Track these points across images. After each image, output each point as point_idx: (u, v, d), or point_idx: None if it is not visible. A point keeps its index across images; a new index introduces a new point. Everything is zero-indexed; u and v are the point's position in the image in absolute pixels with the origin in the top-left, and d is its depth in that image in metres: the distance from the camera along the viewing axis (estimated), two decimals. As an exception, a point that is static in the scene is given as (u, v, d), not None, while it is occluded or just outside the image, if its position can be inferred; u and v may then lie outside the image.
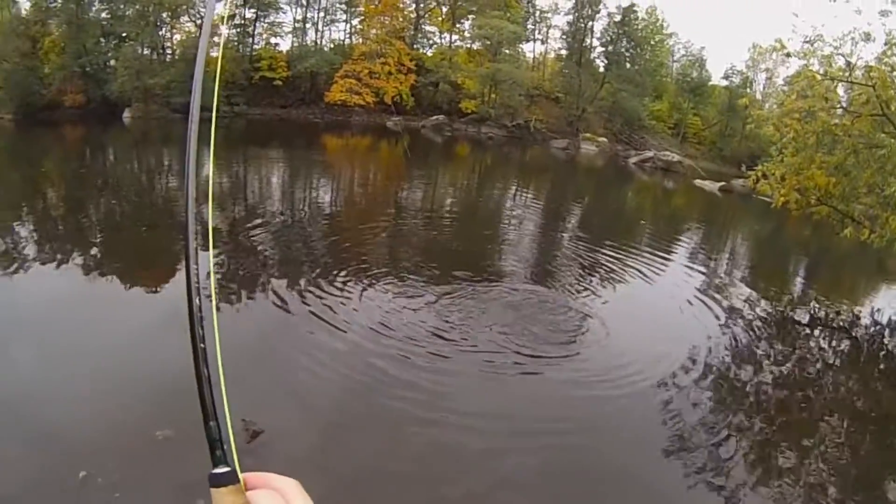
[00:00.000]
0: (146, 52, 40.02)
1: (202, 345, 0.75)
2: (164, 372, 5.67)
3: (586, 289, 8.74)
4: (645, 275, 9.90)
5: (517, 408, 5.37)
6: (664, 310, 8.30)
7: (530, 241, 12.48)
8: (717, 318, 8.02)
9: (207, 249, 0.97)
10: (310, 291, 8.09)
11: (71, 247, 11.71)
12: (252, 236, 11.88)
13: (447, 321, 7.10)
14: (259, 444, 4.75)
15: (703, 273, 10.77)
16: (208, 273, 0.73)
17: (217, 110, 0.78)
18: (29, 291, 9.02)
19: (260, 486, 0.70)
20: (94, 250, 11.59)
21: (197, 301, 0.75)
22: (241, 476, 0.69)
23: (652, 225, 16.44)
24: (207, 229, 1.00)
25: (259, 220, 13.46)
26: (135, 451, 4.81)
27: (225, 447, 0.72)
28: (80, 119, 40.24)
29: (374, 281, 8.50)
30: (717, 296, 9.15)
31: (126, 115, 37.58)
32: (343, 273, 8.84)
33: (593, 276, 9.44)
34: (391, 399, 5.38)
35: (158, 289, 8.81)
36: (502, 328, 6.94)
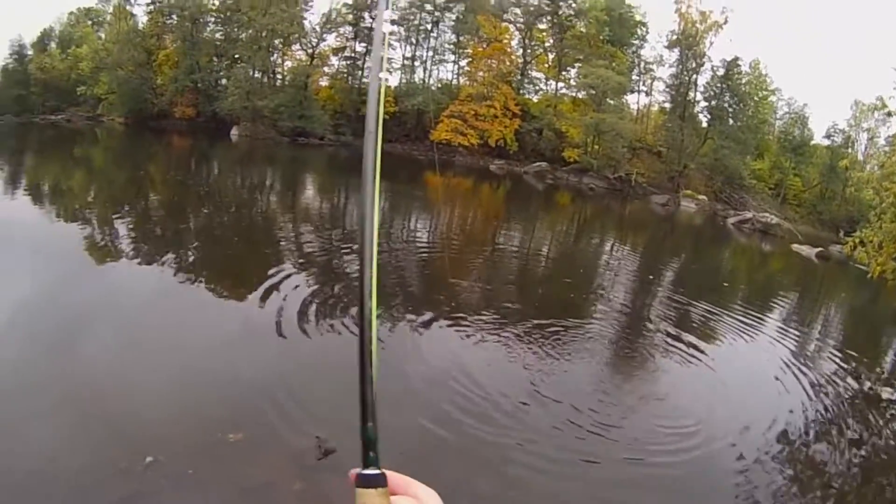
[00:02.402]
0: (257, 74, 45.36)
1: (370, 347, 0.84)
2: (241, 379, 6.77)
3: (673, 347, 9.32)
4: (733, 339, 10.43)
5: (588, 466, 5.75)
6: (748, 376, 8.66)
7: (622, 293, 13.23)
8: (803, 389, 8.34)
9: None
10: (397, 321, 9.09)
11: (166, 248, 13.08)
12: (346, 264, 13.07)
13: (530, 367, 7.78)
14: (329, 462, 5.32)
15: (791, 342, 11.00)
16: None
17: (381, 144, 0.85)
18: (120, 284, 10.43)
19: (400, 491, 0.81)
20: (188, 255, 12.96)
21: (369, 305, 0.86)
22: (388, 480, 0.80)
23: (745, 288, 17.23)
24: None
25: (353, 246, 14.20)
26: (204, 449, 5.40)
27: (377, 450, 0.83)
28: (188, 131, 45.87)
29: (462, 318, 9.42)
30: (803, 367, 9.41)
31: (234, 132, 42.23)
32: (433, 307, 9.87)
33: (681, 335, 9.94)
34: (464, 437, 5.88)
35: (245, 300, 9.82)
36: (585, 379, 7.65)
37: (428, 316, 9.42)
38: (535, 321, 9.70)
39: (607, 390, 7.48)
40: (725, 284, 17.06)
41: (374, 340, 0.87)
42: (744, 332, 10.87)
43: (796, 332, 11.94)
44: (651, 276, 16.10)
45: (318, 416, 6.06)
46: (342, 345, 8.00)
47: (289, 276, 11.00)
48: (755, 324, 11.70)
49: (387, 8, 1.02)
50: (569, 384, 7.39)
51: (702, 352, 9.26)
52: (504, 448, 5.81)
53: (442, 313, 9.60)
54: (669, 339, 9.69)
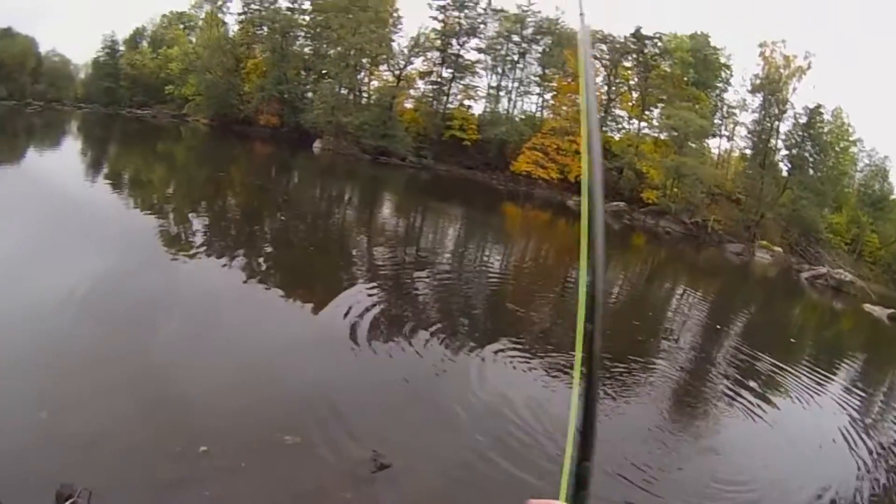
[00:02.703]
0: (343, 91, 47.06)
1: (595, 387, 0.86)
2: (303, 384, 7.02)
3: (735, 400, 9.42)
4: (796, 397, 10.41)
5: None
6: (807, 438, 8.53)
7: (690, 339, 13.34)
8: (860, 457, 8.19)
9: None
10: (459, 348, 9.26)
11: (239, 249, 13.55)
12: (415, 281, 13.38)
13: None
14: (383, 476, 5.42)
15: (855, 405, 10.87)
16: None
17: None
18: (191, 277, 10.89)
19: None
20: (260, 258, 13.34)
21: (597, 344, 0.88)
22: None
23: (813, 346, 17.08)
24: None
25: (426, 269, 14.96)
26: (259, 447, 5.52)
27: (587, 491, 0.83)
28: (270, 138, 47.71)
29: (526, 350, 9.65)
30: (864, 433, 9.23)
31: (317, 145, 43.88)
32: (499, 341, 9.88)
33: (745, 387, 10.04)
34: (517, 470, 5.95)
35: (313, 307, 10.11)
36: (641, 424, 7.72)
37: (491, 344, 9.63)
38: (602, 361, 9.80)
39: (663, 438, 7.51)
40: (793, 340, 16.95)
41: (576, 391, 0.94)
42: (807, 391, 10.91)
43: (860, 396, 11.82)
44: (719, 326, 16.23)
45: (376, 430, 6.26)
46: (406, 362, 8.44)
47: (359, 289, 11.48)
48: (819, 383, 11.74)
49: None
50: (624, 429, 7.45)
51: (763, 407, 9.32)
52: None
53: (506, 343, 9.81)
54: (732, 391, 9.85)
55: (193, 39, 60.90)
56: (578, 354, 0.98)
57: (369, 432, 6.19)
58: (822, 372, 12.73)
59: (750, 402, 9.47)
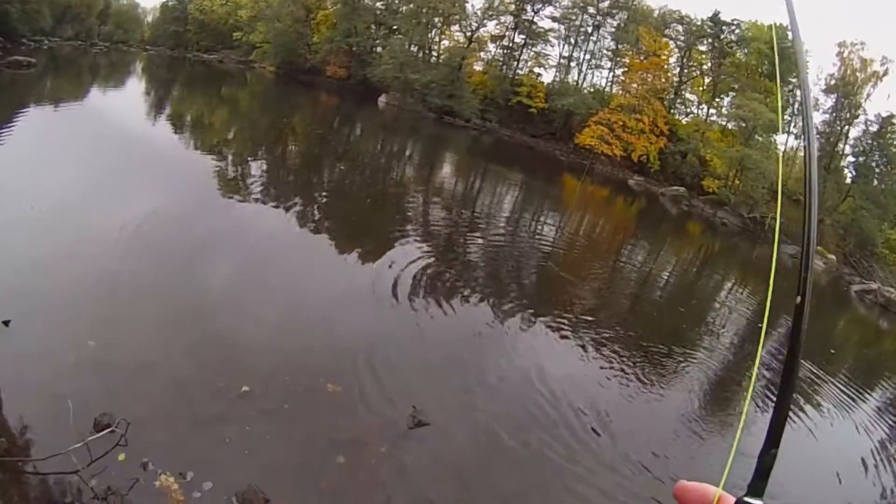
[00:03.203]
0: (413, 48, 47.05)
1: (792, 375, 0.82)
2: (348, 335, 7.14)
3: (769, 401, 8.87)
4: (830, 413, 10.11)
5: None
6: (839, 456, 8.37)
7: (731, 334, 13.12)
8: (887, 480, 8.07)
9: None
10: (504, 315, 9.37)
11: (295, 196, 13.56)
12: (467, 243, 13.45)
13: (621, 394, 7.88)
14: (419, 433, 5.55)
15: (887, 426, 10.62)
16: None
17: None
18: (245, 221, 11.01)
19: None
20: (315, 206, 13.41)
21: (804, 321, 0.83)
22: None
23: (852, 361, 16.61)
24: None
25: (478, 232, 15.06)
26: (301, 392, 5.65)
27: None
28: (336, 90, 48.22)
29: (568, 327, 9.67)
30: (889, 460, 8.98)
31: (382, 99, 44.17)
32: (544, 310, 10.07)
33: (771, 399, 8.90)
34: (545, 446, 6.05)
35: (365, 260, 10.22)
36: (671, 415, 7.73)
37: (536, 314, 9.79)
38: (641, 342, 10.08)
39: (690, 434, 7.42)
40: (833, 351, 16.37)
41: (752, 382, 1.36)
42: (842, 405, 10.67)
43: (891, 420, 11.39)
44: (761, 325, 15.42)
45: (415, 388, 6.44)
46: (450, 324, 8.65)
47: (410, 246, 11.69)
48: (854, 399, 11.54)
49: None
50: (653, 417, 7.55)
51: (796, 414, 9.16)
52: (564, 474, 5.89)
53: (551, 315, 9.97)
54: (769, 393, 9.62)
55: (265, -13, 61.50)
56: (759, 350, 1.29)
57: (408, 389, 6.42)
58: (859, 388, 12.54)
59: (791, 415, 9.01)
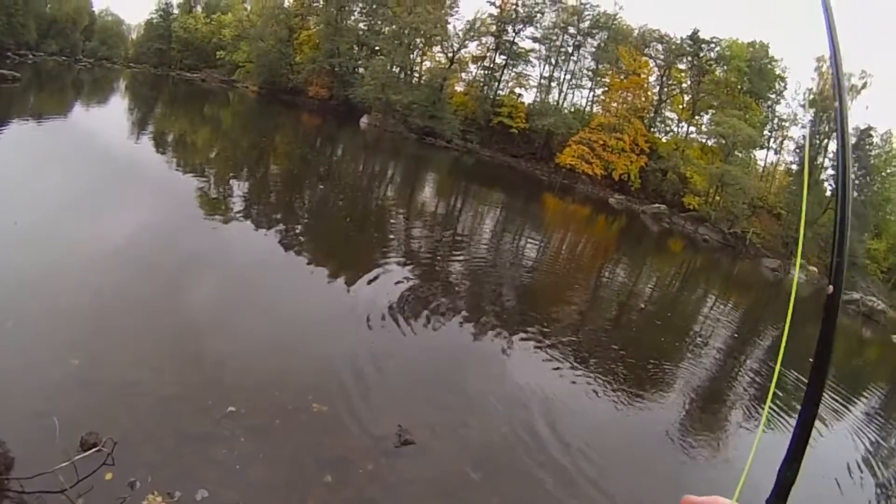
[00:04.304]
0: (395, 69, 47.55)
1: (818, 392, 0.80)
2: (333, 354, 7.21)
3: (749, 423, 9.15)
4: (819, 419, 9.19)
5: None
6: (818, 464, 8.02)
7: (711, 360, 12.71)
8: (870, 490, 8.08)
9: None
10: (488, 333, 9.46)
11: (277, 215, 13.73)
12: (450, 263, 13.57)
13: (608, 409, 7.95)
14: (406, 452, 5.61)
15: (871, 437, 10.52)
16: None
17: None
18: (227, 240, 11.06)
19: None
20: (297, 226, 13.52)
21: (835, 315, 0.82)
22: None
23: (834, 371, 14.79)
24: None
25: (461, 252, 15.21)
26: (286, 412, 5.71)
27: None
28: (318, 110, 48.57)
29: (552, 345, 9.69)
30: (878, 465, 9.10)
31: (364, 120, 44.52)
32: (527, 329, 10.13)
33: (758, 411, 9.75)
34: (529, 463, 6.11)
35: (347, 280, 10.28)
36: (651, 428, 7.74)
37: (519, 332, 9.87)
38: (626, 358, 10.18)
39: (680, 448, 7.47)
40: (811, 360, 17.15)
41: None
42: (824, 415, 10.34)
43: (877, 427, 11.41)
44: (741, 336, 16.36)
45: (401, 406, 6.48)
46: (435, 342, 8.61)
47: (392, 266, 11.75)
48: (837, 409, 11.42)
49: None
50: (641, 431, 7.64)
51: (785, 422, 8.96)
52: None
53: (534, 333, 10.03)
54: (748, 414, 9.70)
55: (248, 7, 62.40)
56: (777, 367, 1.50)
57: (394, 407, 6.47)
58: (841, 398, 12.35)
59: (772, 427, 8.89)
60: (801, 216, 1.17)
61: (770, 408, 8.84)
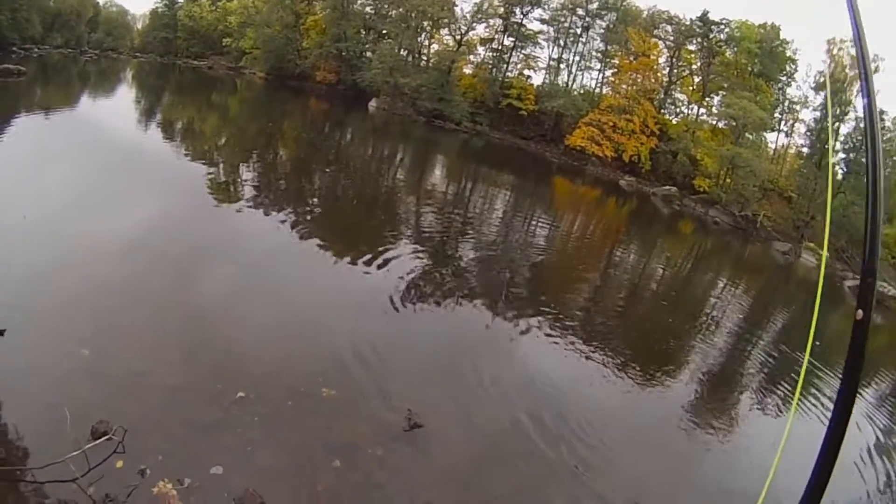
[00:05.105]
0: (402, 52, 47.30)
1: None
2: (342, 340, 7.20)
3: (762, 408, 9.11)
4: (815, 403, 9.67)
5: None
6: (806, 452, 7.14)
7: (723, 343, 12.53)
8: (874, 480, 7.75)
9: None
10: (498, 318, 9.42)
11: (286, 201, 13.73)
12: (461, 247, 13.49)
13: (619, 395, 7.88)
14: (415, 436, 5.62)
15: (880, 425, 10.14)
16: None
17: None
18: (237, 227, 11.09)
19: None
20: (306, 211, 13.51)
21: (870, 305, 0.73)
22: None
23: (838, 356, 13.90)
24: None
25: (472, 235, 15.13)
26: (296, 397, 5.70)
27: None
28: (326, 95, 48.48)
29: (563, 330, 9.66)
30: (886, 455, 8.74)
31: (372, 104, 44.31)
32: (538, 312, 10.06)
33: (771, 397, 9.77)
34: (540, 446, 6.08)
35: (356, 264, 10.25)
36: (659, 413, 7.74)
37: (530, 316, 9.83)
38: (638, 342, 10.23)
39: (694, 439, 7.38)
40: (818, 344, 14.83)
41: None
42: (818, 400, 10.03)
43: (886, 416, 10.95)
44: (752, 319, 16.08)
45: (410, 391, 6.50)
46: (444, 327, 8.65)
47: (403, 249, 11.78)
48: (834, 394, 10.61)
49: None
50: (652, 420, 7.57)
51: (782, 408, 9.10)
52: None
53: (545, 317, 9.99)
54: (763, 396, 9.65)
55: (253, -7, 61.86)
56: (803, 370, 1.36)
57: (404, 392, 6.47)
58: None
59: (779, 412, 9.19)
60: (827, 215, 1.02)
61: (797, 401, 8.77)
